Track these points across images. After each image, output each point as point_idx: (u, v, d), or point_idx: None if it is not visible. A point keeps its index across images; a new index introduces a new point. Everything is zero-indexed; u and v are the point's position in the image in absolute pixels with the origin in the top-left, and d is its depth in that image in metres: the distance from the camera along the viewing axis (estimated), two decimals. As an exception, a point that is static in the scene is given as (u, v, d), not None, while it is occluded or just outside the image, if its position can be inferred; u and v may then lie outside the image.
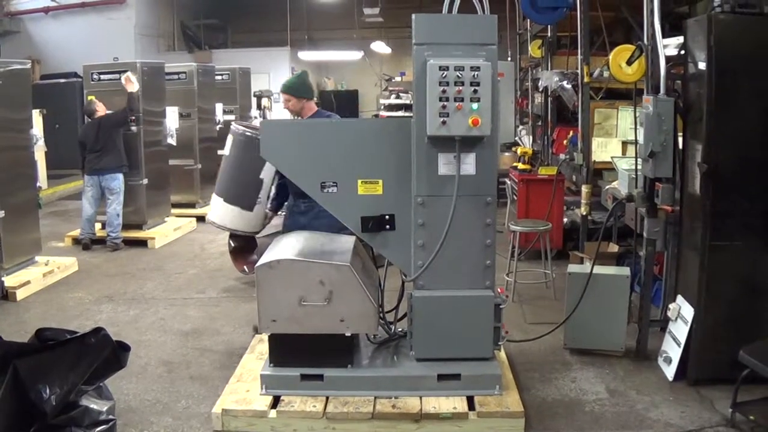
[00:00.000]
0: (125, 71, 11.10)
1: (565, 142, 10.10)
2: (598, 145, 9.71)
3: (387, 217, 5.28)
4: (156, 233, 11.25)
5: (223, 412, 5.15)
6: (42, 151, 12.94)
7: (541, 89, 11.81)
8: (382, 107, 22.13)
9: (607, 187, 8.55)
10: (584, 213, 8.52)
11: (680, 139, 6.06)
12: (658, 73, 5.92)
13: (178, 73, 13.29)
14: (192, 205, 13.30)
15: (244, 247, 8.96)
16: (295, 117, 6.90)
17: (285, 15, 21.75)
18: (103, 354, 4.84)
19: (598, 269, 6.39)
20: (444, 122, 4.90)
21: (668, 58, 5.97)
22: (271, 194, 7.14)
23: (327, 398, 5.21)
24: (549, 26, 11.33)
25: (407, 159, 5.19)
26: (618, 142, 9.85)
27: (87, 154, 10.54)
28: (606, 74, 8.42)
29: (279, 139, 5.37)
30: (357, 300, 5.20)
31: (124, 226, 10.85)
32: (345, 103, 25.63)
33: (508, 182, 10.98)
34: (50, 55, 19.46)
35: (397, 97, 21.81)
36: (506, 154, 13.19)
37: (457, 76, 4.87)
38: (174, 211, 12.59)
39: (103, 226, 10.82)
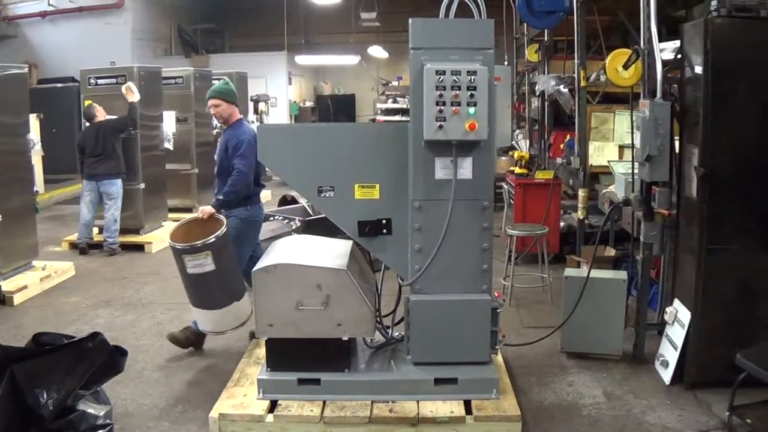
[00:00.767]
0: (123, 75, 11.12)
1: (561, 146, 10.12)
2: (595, 149, 9.73)
3: (384, 221, 5.29)
4: (153, 238, 11.24)
5: (221, 416, 5.15)
6: (39, 155, 12.92)
7: (537, 93, 11.81)
8: (379, 112, 22.13)
9: (603, 191, 8.56)
10: (581, 217, 8.53)
11: (677, 143, 6.06)
12: (655, 77, 5.92)
13: (175, 78, 13.31)
14: (189, 210, 13.25)
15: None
16: (221, 124, 7.06)
17: (282, 19, 21.74)
18: (100, 358, 4.83)
19: (595, 273, 6.40)
20: (441, 126, 4.91)
21: (665, 62, 5.98)
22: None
23: (324, 402, 5.22)
24: (546, 30, 11.34)
25: (404, 163, 5.20)
26: (615, 146, 9.87)
27: (85, 159, 10.54)
28: (603, 78, 8.45)
29: (276, 143, 5.38)
30: (354, 304, 5.21)
31: (121, 230, 10.83)
32: (342, 108, 25.71)
33: (505, 186, 10.99)
34: (47, 59, 19.45)
35: (394, 101, 21.83)
36: (503, 158, 13.21)
37: (454, 80, 4.88)
38: (171, 215, 12.57)
39: (101, 231, 10.82)
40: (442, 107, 4.89)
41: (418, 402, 5.22)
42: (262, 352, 5.63)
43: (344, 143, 5.33)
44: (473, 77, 4.90)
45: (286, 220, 9.33)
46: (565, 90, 10.05)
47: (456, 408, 5.16)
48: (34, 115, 12.13)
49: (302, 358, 5.31)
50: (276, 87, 21.22)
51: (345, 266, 5.23)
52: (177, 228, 6.60)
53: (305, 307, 5.19)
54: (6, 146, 8.71)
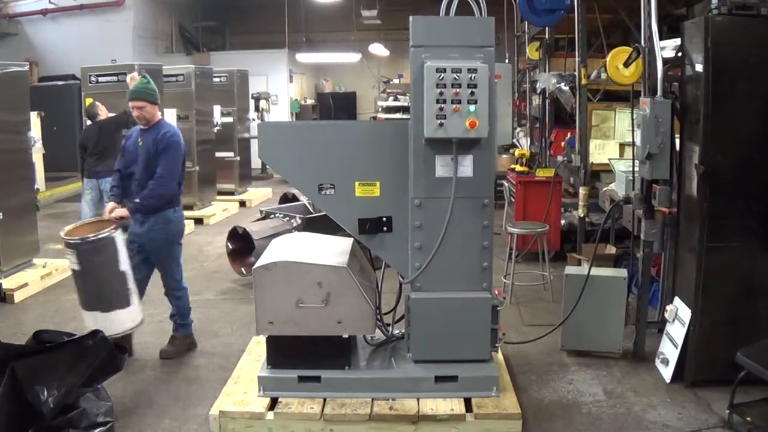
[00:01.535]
0: (123, 73, 11.11)
1: (562, 144, 10.11)
2: (596, 147, 9.73)
3: (384, 219, 5.29)
4: (154, 235, 11.22)
5: (221, 413, 5.15)
6: (40, 153, 12.94)
7: (538, 91, 11.81)
8: (380, 109, 22.10)
9: (604, 189, 8.56)
10: (582, 215, 8.53)
11: (677, 141, 6.06)
12: (656, 75, 5.93)
13: (175, 75, 13.30)
14: (190, 207, 13.27)
15: (242, 248, 8.99)
16: (144, 125, 6.50)
17: (283, 17, 21.71)
18: (100, 356, 4.85)
19: (596, 271, 6.40)
20: (441, 124, 4.91)
21: (665, 60, 5.97)
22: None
23: (324, 400, 5.22)
24: (547, 28, 11.32)
25: (404, 161, 5.20)
26: (615, 144, 9.87)
27: (87, 157, 10.54)
28: (603, 76, 8.45)
29: (277, 141, 5.38)
30: (354, 302, 5.21)
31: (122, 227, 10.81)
32: (343, 106, 25.68)
33: (506, 184, 10.98)
34: (48, 57, 19.43)
35: (395, 99, 21.79)
36: (504, 156, 13.21)
37: (455, 78, 4.88)
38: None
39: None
40: (442, 105, 4.89)
41: (418, 400, 5.22)
42: (262, 349, 5.63)
43: (345, 141, 5.33)
44: (474, 75, 4.90)
45: (287, 218, 9.34)
46: (566, 88, 10.04)
47: (456, 406, 5.16)
48: (35, 112, 12.14)
49: (303, 355, 5.31)
50: (277, 85, 21.19)
51: (345, 264, 5.23)
52: (89, 223, 6.63)
53: (306, 305, 5.19)
54: (7, 144, 8.72)
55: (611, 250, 8.37)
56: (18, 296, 8.33)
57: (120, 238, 6.08)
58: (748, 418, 5.12)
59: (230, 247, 9.15)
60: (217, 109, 14.47)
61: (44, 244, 10.15)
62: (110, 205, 6.45)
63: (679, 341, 5.88)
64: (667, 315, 6.13)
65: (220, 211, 13.82)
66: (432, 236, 5.20)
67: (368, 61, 23.59)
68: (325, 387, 5.29)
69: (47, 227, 11.94)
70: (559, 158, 9.93)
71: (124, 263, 6.07)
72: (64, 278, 9.05)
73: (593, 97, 9.46)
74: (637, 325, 6.43)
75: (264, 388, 5.32)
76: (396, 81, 23.32)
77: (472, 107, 4.90)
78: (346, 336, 5.31)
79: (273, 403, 5.23)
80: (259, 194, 16.07)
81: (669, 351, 6.04)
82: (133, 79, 10.30)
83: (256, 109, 18.76)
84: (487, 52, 5.06)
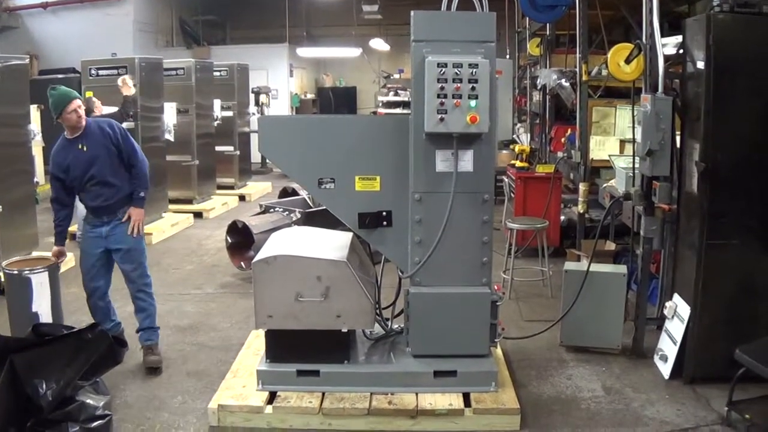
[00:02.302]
0: (124, 67, 11.12)
1: (562, 140, 10.10)
2: (596, 143, 9.71)
3: (384, 213, 5.29)
4: (153, 229, 11.22)
5: (220, 407, 5.16)
6: (39, 146, 12.89)
7: (539, 87, 11.79)
8: (381, 104, 22.08)
9: (604, 185, 8.56)
10: (581, 211, 8.52)
11: (678, 138, 6.06)
12: (657, 72, 5.92)
13: (176, 69, 13.28)
14: (189, 201, 13.31)
15: (242, 242, 8.99)
16: (77, 132, 6.20)
17: (284, 11, 21.66)
18: (99, 349, 4.85)
19: (595, 267, 6.40)
20: (442, 119, 4.91)
21: (667, 57, 5.97)
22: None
23: (323, 394, 5.23)
24: (548, 24, 11.32)
25: (405, 155, 5.20)
26: (616, 140, 9.84)
27: None
28: (604, 73, 8.42)
29: (277, 135, 5.38)
30: (354, 296, 5.21)
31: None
32: (343, 100, 25.62)
33: (506, 180, 10.98)
34: (48, 50, 19.38)
35: (396, 94, 21.77)
36: (504, 151, 13.19)
37: (456, 73, 4.88)
38: (171, 206, 12.59)
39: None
40: (443, 100, 4.89)
41: (417, 394, 5.24)
42: (261, 343, 5.63)
43: (345, 135, 5.33)
44: (475, 70, 4.90)
45: (287, 212, 9.33)
46: (567, 84, 10.04)
47: (455, 400, 5.17)
48: (35, 106, 12.11)
49: (301, 349, 5.32)
50: (277, 79, 21.16)
51: (345, 258, 5.23)
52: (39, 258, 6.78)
53: (305, 299, 5.19)
54: (6, 137, 8.71)
55: (611, 246, 8.36)
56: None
57: (40, 280, 6.09)
58: (747, 416, 5.12)
59: (229, 241, 9.14)
60: (217, 103, 14.44)
61: (43, 238, 10.14)
62: (56, 249, 6.33)
63: (678, 338, 5.89)
64: (666, 312, 6.13)
65: (220, 205, 13.82)
66: (432, 231, 5.20)
67: (369, 55, 23.56)
68: (323, 381, 5.30)
69: (47, 220, 11.89)
70: (559, 154, 9.93)
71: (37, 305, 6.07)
72: (62, 271, 9.03)
73: (594, 93, 9.43)
74: (636, 321, 6.43)
75: (263, 382, 5.33)
76: (396, 76, 23.31)
77: (473, 102, 4.90)
78: (345, 330, 5.32)
79: (272, 397, 5.25)
80: (259, 188, 16.06)
81: (668, 348, 6.04)
82: (123, 82, 10.27)
83: (256, 103, 18.73)
84: (488, 47, 5.06)
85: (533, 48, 12.55)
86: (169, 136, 12.19)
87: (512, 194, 10.38)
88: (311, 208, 9.50)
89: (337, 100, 25.41)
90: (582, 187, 8.42)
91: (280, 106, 20.83)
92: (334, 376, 5.31)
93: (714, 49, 5.45)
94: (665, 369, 6.00)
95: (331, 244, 5.59)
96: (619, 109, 9.89)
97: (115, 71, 11.22)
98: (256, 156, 17.22)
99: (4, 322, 6.22)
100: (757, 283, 5.71)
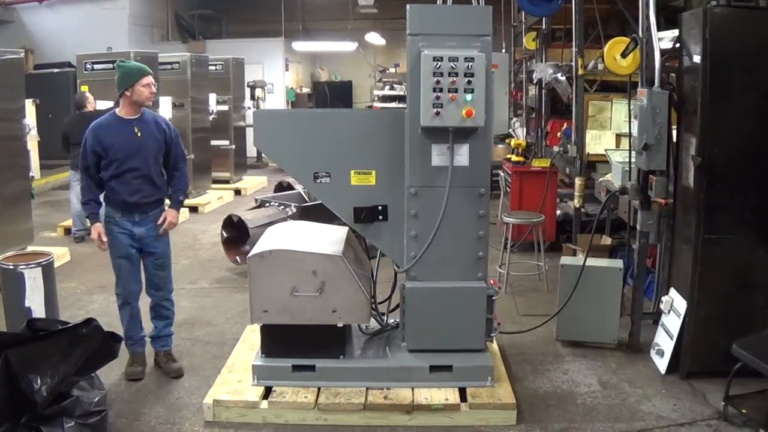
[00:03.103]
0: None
1: (558, 134, 10.11)
2: (592, 137, 9.71)
3: (380, 207, 5.28)
4: (149, 223, 11.18)
5: (215, 402, 5.15)
6: (35, 140, 12.88)
7: (535, 81, 11.78)
8: (376, 98, 22.04)
9: (600, 179, 8.55)
10: (577, 205, 8.51)
11: (674, 132, 6.05)
12: (653, 66, 5.91)
13: (171, 63, 13.26)
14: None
15: (237, 237, 8.98)
16: (136, 112, 5.85)
17: (279, 5, 21.67)
18: (94, 344, 4.83)
19: (591, 261, 6.39)
20: (437, 113, 4.90)
21: (663, 51, 5.96)
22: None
23: (319, 389, 5.23)
24: (544, 18, 11.30)
25: (400, 150, 5.19)
26: (612, 134, 9.85)
27: (72, 148, 10.49)
28: (600, 67, 8.43)
29: (272, 129, 5.37)
30: (349, 291, 5.20)
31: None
32: (339, 95, 25.63)
33: (502, 174, 10.97)
34: (44, 44, 19.37)
35: (391, 88, 21.71)
36: (500, 145, 13.21)
37: (451, 66, 4.87)
38: (167, 201, 12.55)
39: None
40: (439, 94, 4.88)
41: (413, 389, 5.23)
42: (256, 338, 5.63)
43: (340, 129, 5.32)
44: (470, 64, 4.88)
45: (282, 206, 9.32)
46: (563, 78, 10.02)
47: (451, 395, 5.17)
48: (30, 100, 12.09)
49: (297, 344, 5.31)
50: (273, 73, 21.14)
51: (340, 252, 5.22)
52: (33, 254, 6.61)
53: (300, 294, 5.18)
54: (2, 132, 8.67)
55: (607, 240, 8.37)
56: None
57: (34, 275, 6.02)
58: (743, 410, 5.13)
59: (225, 235, 9.13)
60: (212, 97, 14.43)
61: (39, 232, 10.15)
62: (98, 226, 5.81)
63: (675, 332, 5.88)
64: (662, 306, 6.13)
65: (215, 199, 13.79)
66: (428, 225, 5.19)
67: (364, 50, 23.52)
68: (319, 376, 5.29)
69: (42, 215, 11.97)
70: (555, 148, 9.92)
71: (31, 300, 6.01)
72: (58, 266, 9.03)
73: (590, 87, 9.43)
74: (633, 316, 6.43)
75: (258, 377, 5.32)
76: (392, 70, 23.25)
77: (468, 96, 4.88)
78: (340, 325, 5.31)
79: (267, 392, 5.24)
80: (255, 183, 16.04)
81: (664, 342, 6.03)
82: None
83: (252, 97, 18.72)
84: (484, 41, 5.04)
85: (529, 42, 12.54)
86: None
87: (508, 188, 10.38)
88: (307, 202, 9.49)
89: (332, 95, 25.41)
90: (578, 181, 8.41)
91: (275, 101, 20.84)
92: (329, 371, 5.30)
93: (710, 42, 5.44)
94: (662, 363, 6.00)
95: (326, 239, 5.57)
96: (616, 104, 9.89)
97: (110, 65, 11.17)
98: (251, 150, 17.20)
99: (0, 317, 6.21)
100: (754, 277, 5.71)
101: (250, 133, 13.04)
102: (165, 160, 5.98)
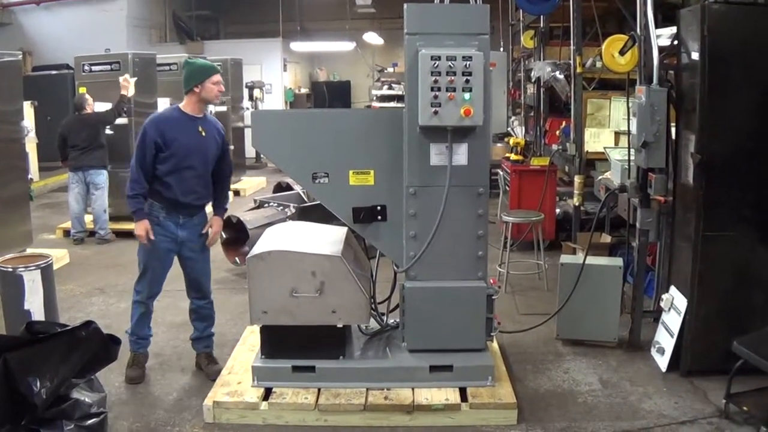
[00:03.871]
0: (117, 62, 11.09)
1: (557, 132, 10.09)
2: (591, 135, 9.71)
3: (378, 207, 5.27)
4: (148, 225, 11.18)
5: (215, 404, 5.14)
6: (33, 143, 12.89)
7: (533, 80, 11.78)
8: (375, 98, 22.06)
9: (599, 177, 8.54)
10: (577, 203, 8.50)
11: (673, 130, 6.04)
12: (651, 63, 5.90)
13: (169, 64, 13.25)
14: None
15: (236, 238, 8.97)
16: (209, 108, 6.14)
17: (277, 6, 21.68)
18: (93, 347, 4.81)
19: (591, 260, 6.39)
20: (436, 112, 4.89)
21: (661, 48, 5.95)
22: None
23: (319, 390, 5.21)
24: (541, 17, 11.29)
25: (399, 149, 5.18)
26: (611, 132, 9.85)
27: (70, 150, 10.49)
28: (599, 64, 8.41)
29: (270, 129, 5.37)
30: (349, 291, 5.19)
31: (115, 217, 10.83)
32: (337, 94, 25.63)
33: (501, 173, 10.96)
34: (42, 46, 19.37)
35: (390, 87, 21.74)
36: (499, 144, 13.20)
37: (449, 65, 4.86)
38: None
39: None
40: (437, 93, 4.87)
41: (413, 389, 5.22)
42: (256, 339, 5.62)
43: (338, 129, 5.31)
44: (468, 63, 4.87)
45: (281, 207, 9.31)
46: (561, 76, 10.02)
47: (451, 395, 5.16)
48: (29, 102, 12.09)
49: (297, 345, 5.30)
50: (271, 74, 21.16)
51: (339, 253, 5.21)
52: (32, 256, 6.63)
53: (299, 294, 5.17)
54: (0, 134, 8.67)
55: (606, 239, 8.36)
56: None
57: (33, 277, 6.02)
58: (745, 408, 5.12)
59: (224, 236, 9.10)
60: (211, 98, 14.39)
61: (38, 235, 10.14)
62: (146, 223, 5.66)
63: (675, 330, 5.88)
64: (662, 304, 6.12)
65: (214, 200, 13.74)
66: (427, 225, 5.19)
67: (362, 49, 23.54)
68: (319, 377, 5.28)
69: (41, 217, 11.96)
70: (554, 147, 9.92)
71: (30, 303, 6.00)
72: (57, 268, 9.01)
73: (588, 85, 9.43)
74: (633, 314, 6.42)
75: (258, 378, 5.31)
76: (390, 70, 23.28)
77: (466, 95, 4.88)
78: (340, 325, 5.30)
79: (267, 394, 5.23)
80: (254, 183, 16.04)
81: (665, 340, 6.02)
82: (125, 81, 10.32)
83: (250, 98, 18.72)
84: (482, 39, 5.04)
85: (527, 40, 12.55)
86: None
87: (507, 187, 10.38)
88: (306, 202, 9.48)
89: (331, 95, 25.41)
90: (577, 179, 8.40)
91: (274, 101, 20.85)
92: (329, 372, 5.29)
93: (708, 39, 5.43)
94: (662, 361, 5.99)
95: (325, 239, 5.56)
96: (614, 101, 9.90)
97: (108, 67, 11.19)
98: (250, 151, 17.18)
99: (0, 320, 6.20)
100: (754, 274, 5.70)
101: (248, 134, 13.01)
102: (216, 167, 5.93)
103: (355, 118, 5.58)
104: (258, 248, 5.34)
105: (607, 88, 9.89)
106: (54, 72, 18.22)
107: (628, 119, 6.66)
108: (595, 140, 9.69)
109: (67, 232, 10.97)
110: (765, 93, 5.53)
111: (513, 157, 10.30)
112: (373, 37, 22.50)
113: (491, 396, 5.17)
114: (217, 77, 5.68)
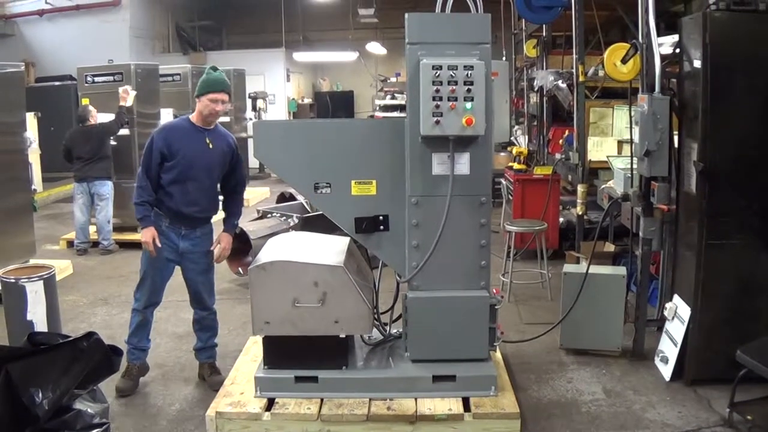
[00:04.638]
0: (120, 73, 11.12)
1: (560, 141, 10.10)
2: (594, 144, 9.70)
3: (381, 217, 5.26)
4: (151, 235, 11.18)
5: (218, 414, 5.12)
6: (36, 153, 12.90)
7: (536, 89, 11.78)
8: (378, 108, 22.07)
9: (602, 186, 8.55)
10: (580, 212, 8.50)
11: (676, 138, 6.04)
12: (653, 72, 5.90)
13: (172, 75, 13.32)
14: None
15: (239, 248, 8.95)
16: (210, 124, 5.78)
17: (280, 16, 21.71)
18: (95, 358, 4.81)
19: (594, 269, 6.38)
20: (437, 122, 4.88)
21: (663, 57, 5.95)
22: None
23: (322, 400, 5.19)
24: (544, 26, 11.30)
25: (401, 159, 5.17)
26: (613, 141, 9.84)
27: (75, 161, 10.52)
28: (601, 73, 8.44)
29: (272, 140, 5.35)
30: (351, 301, 5.18)
31: (118, 228, 10.85)
32: (341, 104, 25.66)
33: (504, 182, 10.96)
34: (45, 57, 19.42)
35: (393, 97, 21.73)
36: (502, 153, 13.21)
37: (451, 75, 4.86)
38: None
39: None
40: (438, 102, 4.86)
41: (416, 399, 5.19)
42: (259, 349, 5.60)
43: (340, 139, 5.30)
44: (470, 72, 4.87)
45: (284, 217, 9.31)
46: (564, 85, 10.03)
47: (454, 405, 5.14)
48: (32, 113, 12.11)
49: (299, 355, 5.28)
50: (274, 84, 21.18)
51: (342, 263, 5.20)
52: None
53: (302, 305, 5.16)
54: (3, 145, 8.70)
55: (610, 247, 8.35)
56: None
57: (35, 288, 6.02)
58: (749, 417, 5.10)
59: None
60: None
61: (41, 245, 10.15)
62: (153, 230, 5.63)
63: (679, 339, 5.86)
64: (666, 313, 6.11)
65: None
66: (429, 235, 5.17)
67: (365, 59, 23.57)
68: (322, 387, 5.26)
69: (44, 228, 11.98)
70: (557, 156, 9.93)
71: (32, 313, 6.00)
72: (60, 279, 9.02)
73: (591, 94, 9.43)
74: (636, 323, 6.40)
75: (261, 389, 5.29)
76: (393, 79, 23.28)
77: (468, 104, 4.87)
78: (343, 336, 5.28)
79: (270, 404, 5.21)
80: (257, 193, 16.02)
81: (668, 349, 6.01)
82: (125, 92, 10.35)
83: (254, 108, 18.75)
84: (483, 49, 5.03)
85: (530, 49, 12.55)
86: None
87: (510, 196, 10.38)
88: (309, 213, 9.48)
89: (334, 105, 25.44)
90: (580, 188, 8.40)
91: (277, 111, 20.87)
92: (332, 382, 5.27)
93: (711, 47, 5.43)
94: (666, 371, 5.97)
95: (328, 249, 5.55)
96: (617, 110, 9.89)
97: (111, 78, 11.21)
98: (253, 161, 17.20)
99: (2, 330, 6.20)
100: (757, 282, 5.69)
101: (251, 144, 13.03)
102: (225, 181, 5.93)
103: (357, 128, 5.58)
104: (260, 258, 5.33)
105: (609, 96, 9.88)
106: (57, 83, 18.28)
107: (631, 128, 6.66)
108: (598, 149, 9.68)
109: (70, 243, 10.98)
110: (767, 100, 5.53)
111: (516, 166, 10.30)
112: (376, 47, 22.52)
113: (494, 406, 5.14)
114: (216, 96, 5.62)
